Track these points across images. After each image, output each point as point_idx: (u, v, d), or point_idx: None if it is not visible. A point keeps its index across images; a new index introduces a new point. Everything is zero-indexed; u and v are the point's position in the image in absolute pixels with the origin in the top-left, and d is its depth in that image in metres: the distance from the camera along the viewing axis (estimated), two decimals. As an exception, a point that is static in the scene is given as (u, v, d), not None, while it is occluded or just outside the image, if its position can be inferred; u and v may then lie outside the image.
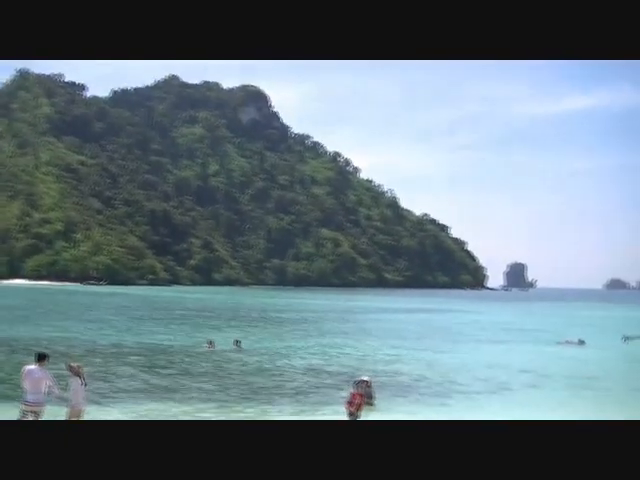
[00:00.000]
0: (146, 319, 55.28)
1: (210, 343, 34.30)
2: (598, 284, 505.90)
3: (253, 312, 71.37)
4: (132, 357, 30.73)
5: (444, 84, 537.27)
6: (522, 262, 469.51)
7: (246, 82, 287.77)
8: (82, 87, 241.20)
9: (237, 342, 34.95)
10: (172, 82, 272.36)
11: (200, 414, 18.34)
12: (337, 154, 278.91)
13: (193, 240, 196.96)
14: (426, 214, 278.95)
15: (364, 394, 17.52)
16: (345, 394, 17.91)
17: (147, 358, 30.84)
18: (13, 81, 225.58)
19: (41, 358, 12.79)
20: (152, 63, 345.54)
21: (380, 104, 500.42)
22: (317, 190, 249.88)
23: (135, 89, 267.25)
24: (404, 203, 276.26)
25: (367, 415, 16.48)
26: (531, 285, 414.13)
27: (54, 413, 12.90)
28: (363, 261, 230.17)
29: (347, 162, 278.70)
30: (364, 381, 19.60)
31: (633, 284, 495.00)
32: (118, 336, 39.75)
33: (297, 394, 22.70)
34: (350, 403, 16.26)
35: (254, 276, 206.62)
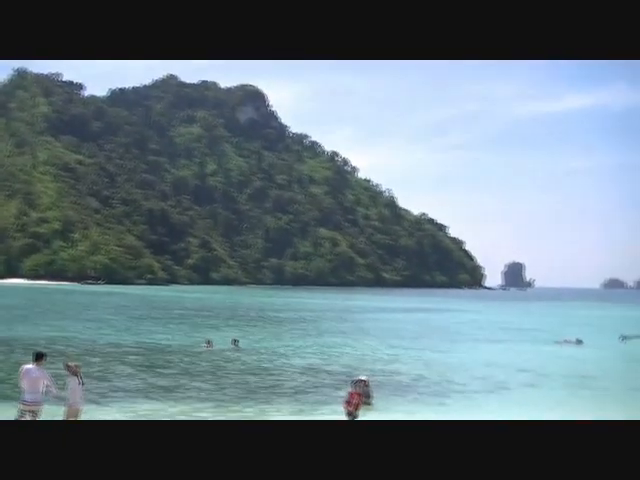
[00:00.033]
0: (144, 318, 55.23)
1: (208, 343, 34.29)
2: (596, 283, 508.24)
3: (251, 311, 71.40)
4: (130, 357, 30.70)
5: (444, 84, 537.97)
6: (520, 261, 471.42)
7: (244, 82, 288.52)
8: (80, 86, 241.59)
9: (235, 341, 34.92)
10: (170, 81, 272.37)
11: (198, 414, 18.32)
12: (335, 153, 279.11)
13: (191, 239, 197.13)
14: (424, 213, 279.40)
15: (362, 393, 17.55)
16: (343, 393, 17.91)
17: (145, 357, 30.83)
18: (11, 80, 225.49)
19: (39, 357, 12.77)
20: (150, 62, 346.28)
21: (379, 104, 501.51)
22: (315, 189, 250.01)
23: (133, 88, 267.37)
24: (402, 202, 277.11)
25: (365, 414, 16.49)
26: (529, 284, 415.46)
27: (52, 412, 12.89)
28: (361, 260, 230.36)
29: (345, 161, 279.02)
30: (362, 380, 19.62)
31: (631, 284, 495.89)
32: (116, 336, 39.72)
33: (295, 393, 22.69)
34: (348, 402, 16.27)
35: (252, 275, 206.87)
